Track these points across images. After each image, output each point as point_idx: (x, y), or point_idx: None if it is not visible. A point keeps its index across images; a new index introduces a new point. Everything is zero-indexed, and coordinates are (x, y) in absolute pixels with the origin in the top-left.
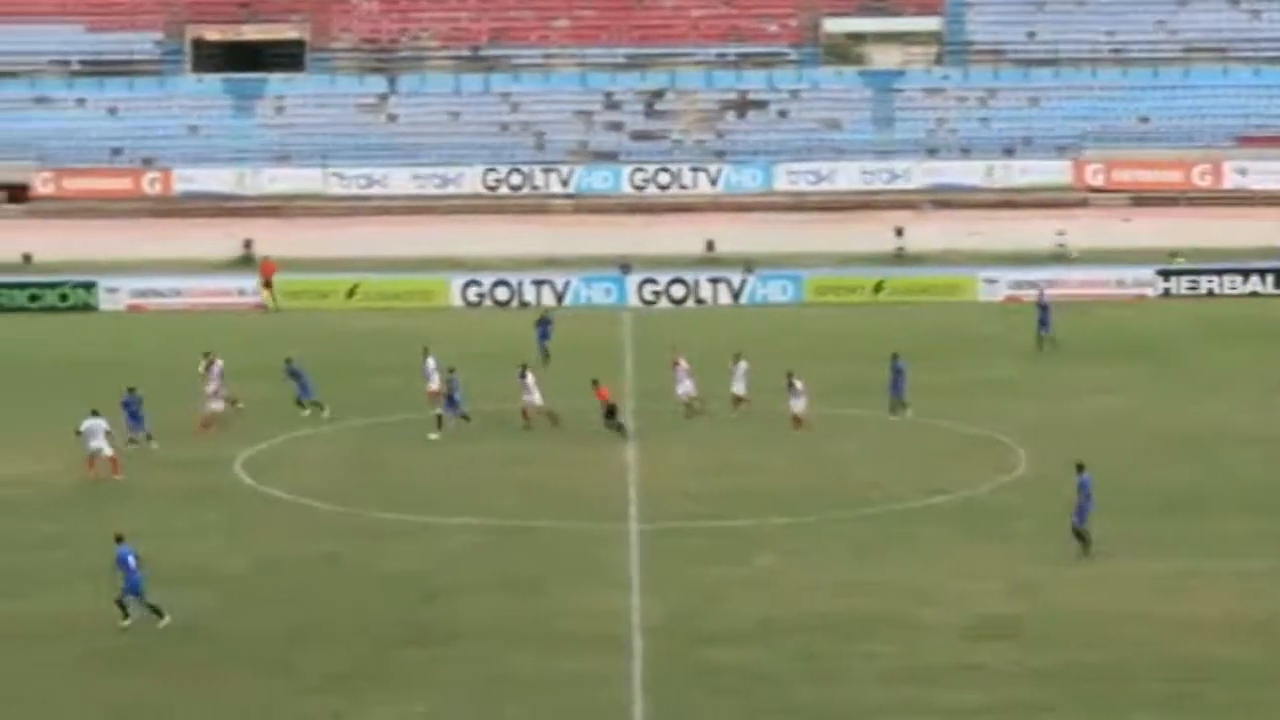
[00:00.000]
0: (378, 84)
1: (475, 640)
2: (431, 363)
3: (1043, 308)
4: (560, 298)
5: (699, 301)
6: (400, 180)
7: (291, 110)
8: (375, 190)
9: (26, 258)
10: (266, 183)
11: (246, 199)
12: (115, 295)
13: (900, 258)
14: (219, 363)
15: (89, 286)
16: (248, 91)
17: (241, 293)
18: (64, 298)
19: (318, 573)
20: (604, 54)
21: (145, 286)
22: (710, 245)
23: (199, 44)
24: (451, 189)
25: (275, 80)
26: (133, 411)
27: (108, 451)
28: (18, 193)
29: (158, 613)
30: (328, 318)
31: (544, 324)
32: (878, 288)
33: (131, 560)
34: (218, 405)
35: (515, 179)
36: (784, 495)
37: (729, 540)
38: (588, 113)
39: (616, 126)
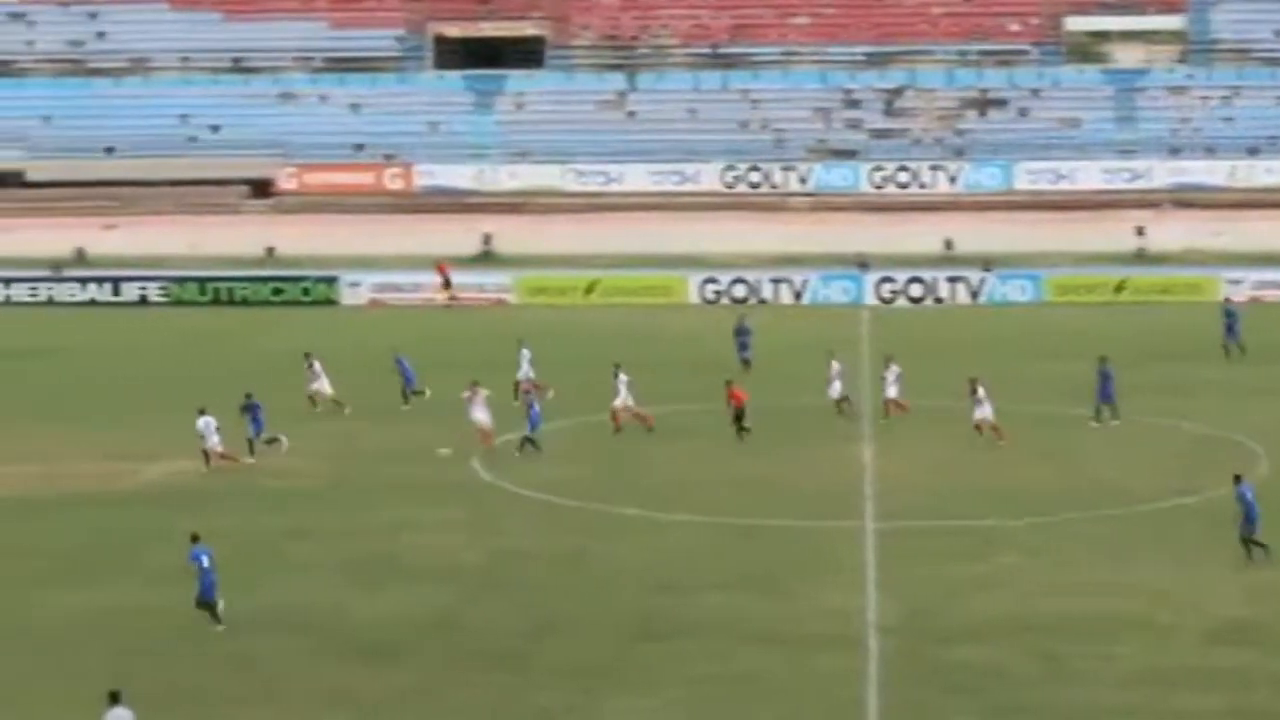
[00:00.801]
0: (617, 81)
1: (711, 637)
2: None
3: (1230, 314)
4: (798, 295)
5: (937, 300)
6: (638, 177)
7: (531, 107)
8: (613, 187)
9: (270, 252)
10: (505, 179)
11: (486, 195)
12: (356, 290)
13: (1141, 258)
14: (317, 364)
15: (331, 281)
16: (488, 88)
17: (481, 288)
18: (306, 292)
19: (556, 567)
20: (844, 51)
21: (386, 281)
22: (949, 244)
23: (440, 41)
24: (689, 186)
25: (515, 77)
26: (254, 416)
27: (218, 447)
28: (262, 188)
29: (216, 619)
30: (566, 314)
31: (742, 333)
32: (1119, 287)
33: (205, 560)
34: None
35: (754, 176)
36: (1023, 494)
37: (967, 539)
38: (827, 110)
39: (855, 124)
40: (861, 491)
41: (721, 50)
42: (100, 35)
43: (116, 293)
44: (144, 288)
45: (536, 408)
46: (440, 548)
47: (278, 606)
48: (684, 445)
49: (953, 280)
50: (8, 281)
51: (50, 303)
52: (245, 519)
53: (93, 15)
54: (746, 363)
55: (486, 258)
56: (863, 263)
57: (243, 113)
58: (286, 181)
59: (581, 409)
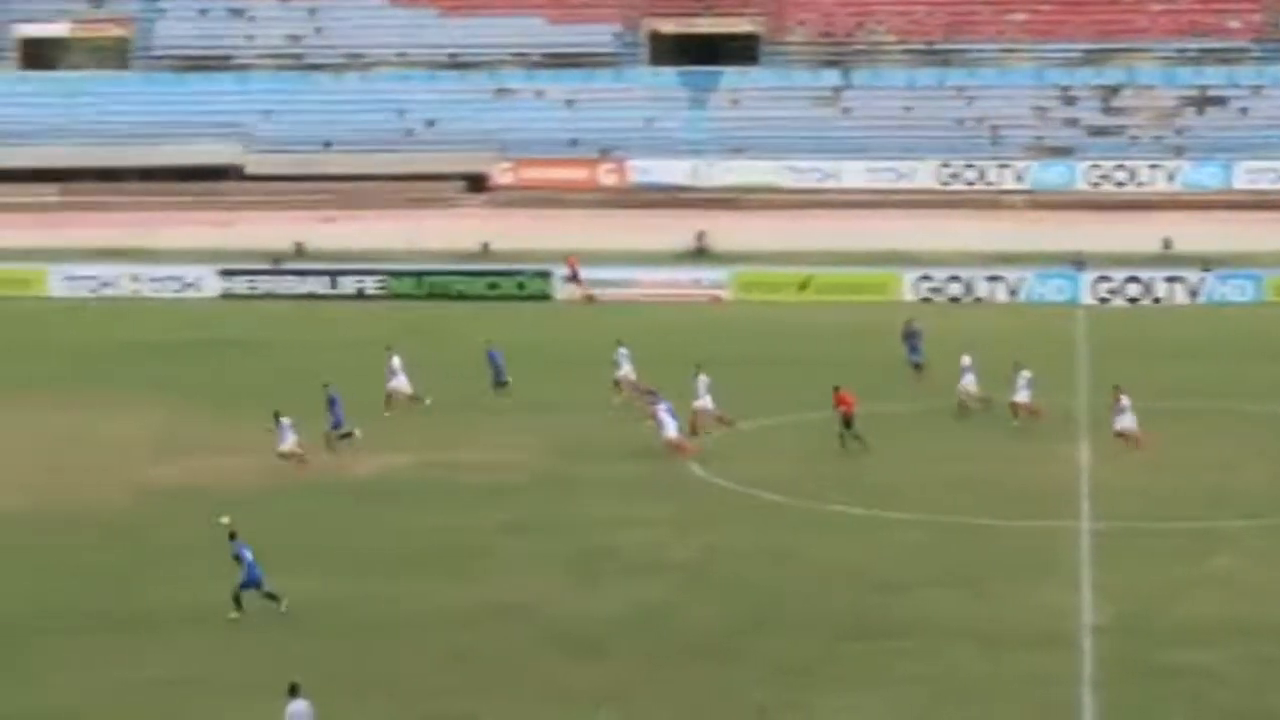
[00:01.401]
0: (832, 77)
1: (924, 635)
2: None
3: None
4: (1013, 293)
5: (1155, 300)
6: (854, 174)
7: (746, 103)
8: (829, 184)
9: (485, 246)
10: (720, 175)
11: (700, 191)
12: (571, 285)
13: None
14: (396, 358)
15: (545, 276)
16: (703, 84)
17: (696, 284)
18: (521, 286)
19: (767, 564)
20: (1061, 49)
21: (600, 277)
22: (1167, 243)
23: (655, 37)
24: (905, 183)
25: (730, 73)
26: (332, 408)
27: (296, 449)
28: (477, 182)
29: (275, 598)
30: (780, 311)
31: (911, 336)
32: None
33: (248, 554)
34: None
35: (970, 174)
36: (1242, 495)
37: (1184, 540)
38: (1043, 108)
39: (1072, 122)
40: (1077, 491)
41: (937, 47)
42: (319, 31)
43: (334, 286)
44: (361, 281)
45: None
46: (652, 543)
47: (492, 600)
48: (895, 444)
49: (1171, 280)
50: (227, 274)
51: (269, 296)
52: (457, 514)
53: (312, 11)
54: (918, 366)
55: (700, 254)
56: (1079, 261)
57: (459, 108)
58: (502, 176)
59: (795, 407)
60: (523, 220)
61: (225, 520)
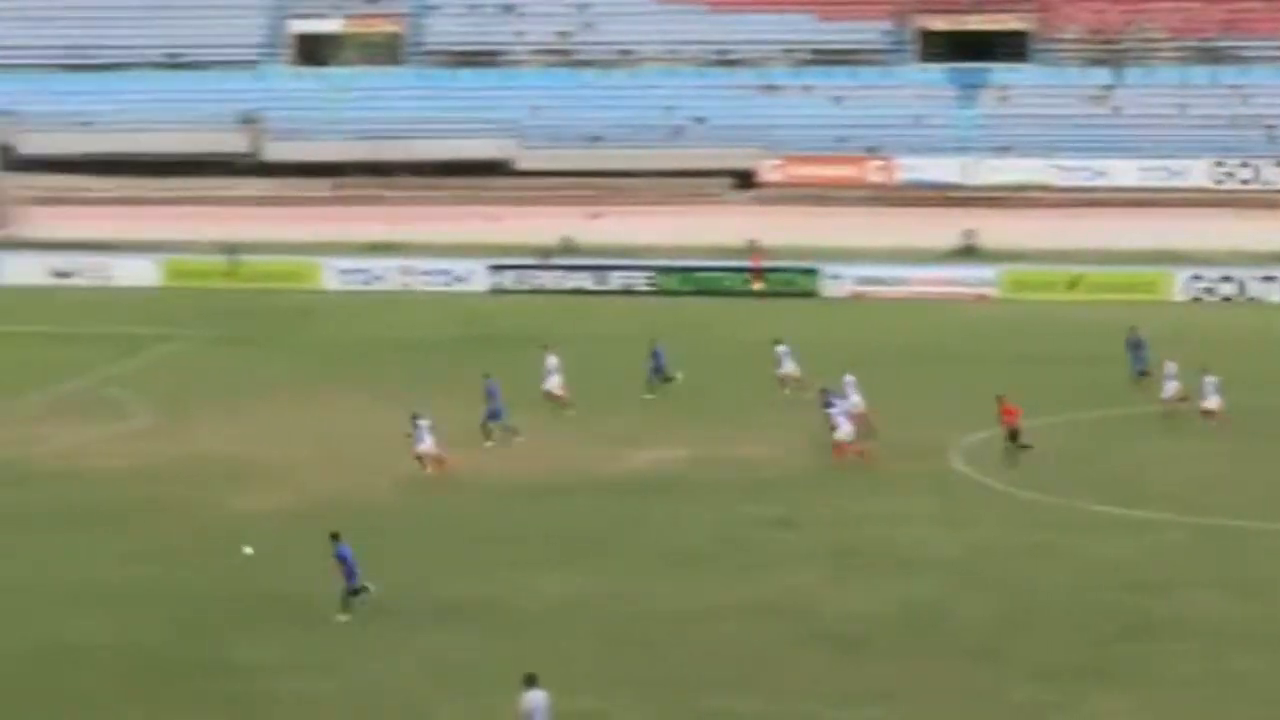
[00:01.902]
0: (1102, 75)
1: (1192, 637)
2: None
3: None
4: None
5: None
6: (1125, 173)
7: (1015, 100)
8: (1099, 182)
9: (752, 243)
10: (989, 173)
11: (968, 189)
12: (838, 282)
13: None
14: (553, 357)
15: (812, 273)
16: (971, 81)
17: (963, 282)
18: (788, 283)
19: (1030, 562)
20: None
21: (867, 274)
22: None
23: (925, 34)
24: (1177, 182)
25: (999, 70)
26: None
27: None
28: (745, 179)
29: (364, 589)
30: (1049, 309)
31: (1136, 346)
32: None
33: (349, 554)
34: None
35: (1244, 173)
36: None
37: None
38: None
39: None
40: None
41: (1211, 44)
42: (588, 27)
43: (601, 281)
44: (629, 277)
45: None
46: (916, 540)
47: (756, 595)
48: (1158, 444)
49: None
50: (496, 269)
51: (537, 290)
52: (728, 508)
53: (581, 7)
54: (1143, 374)
55: (968, 252)
56: None
57: (727, 104)
58: (770, 173)
59: (1061, 406)
60: (790, 217)
61: (249, 551)
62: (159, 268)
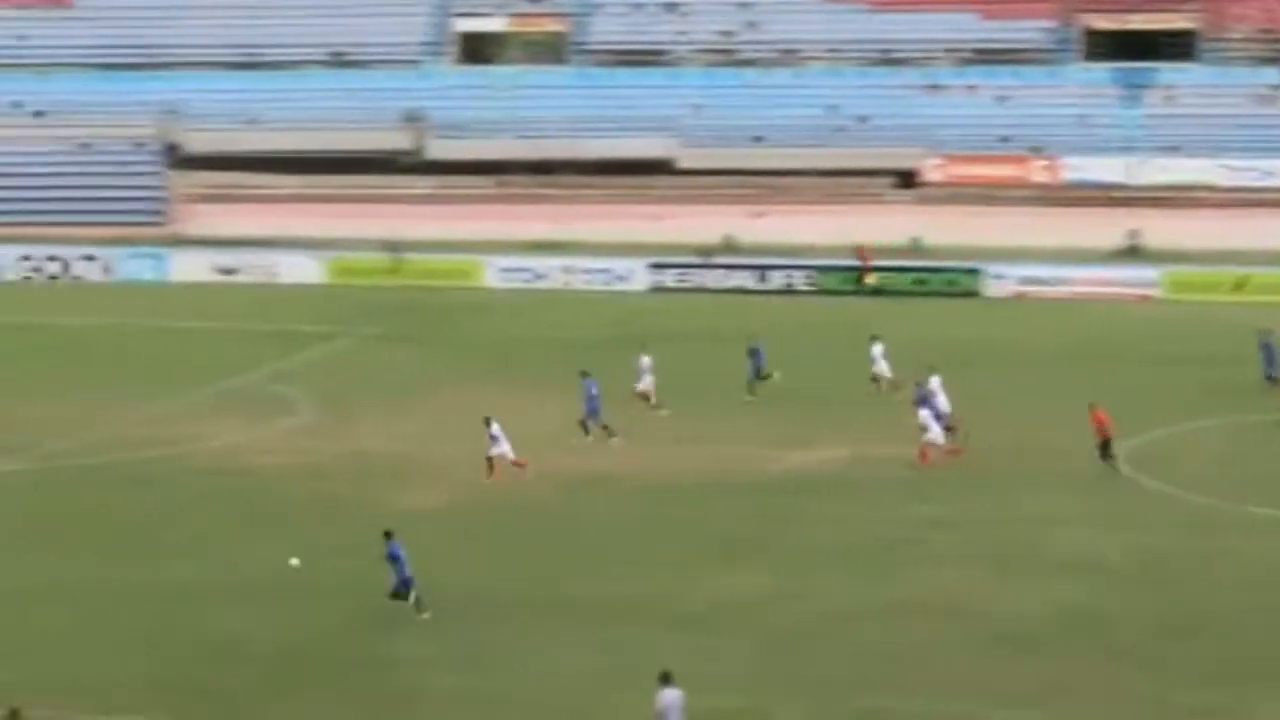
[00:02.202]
0: (1271, 75)
1: None
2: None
3: None
4: None
5: None
6: None
7: (1181, 100)
8: (1267, 182)
9: (914, 242)
10: (1154, 173)
11: (1133, 189)
12: (1000, 282)
13: None
14: (646, 358)
15: (974, 273)
16: (1136, 81)
17: (1127, 283)
18: (950, 283)
19: (1192, 565)
20: None
21: (1030, 274)
22: None
23: (1089, 33)
24: None
25: (1165, 70)
26: (589, 394)
27: (509, 455)
28: (907, 178)
29: (404, 597)
30: (1213, 310)
31: (1268, 349)
32: None
33: (402, 553)
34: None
35: None
36: None
37: None
38: None
39: None
40: None
41: None
42: (751, 25)
43: (763, 280)
44: (790, 276)
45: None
46: (1079, 541)
47: (920, 595)
48: None
49: None
50: (657, 267)
51: (699, 289)
52: (889, 507)
53: (744, 6)
54: (1273, 380)
55: (1132, 253)
56: None
57: (890, 104)
58: (932, 173)
59: (1227, 409)
60: (952, 217)
61: (295, 562)
62: (323, 265)
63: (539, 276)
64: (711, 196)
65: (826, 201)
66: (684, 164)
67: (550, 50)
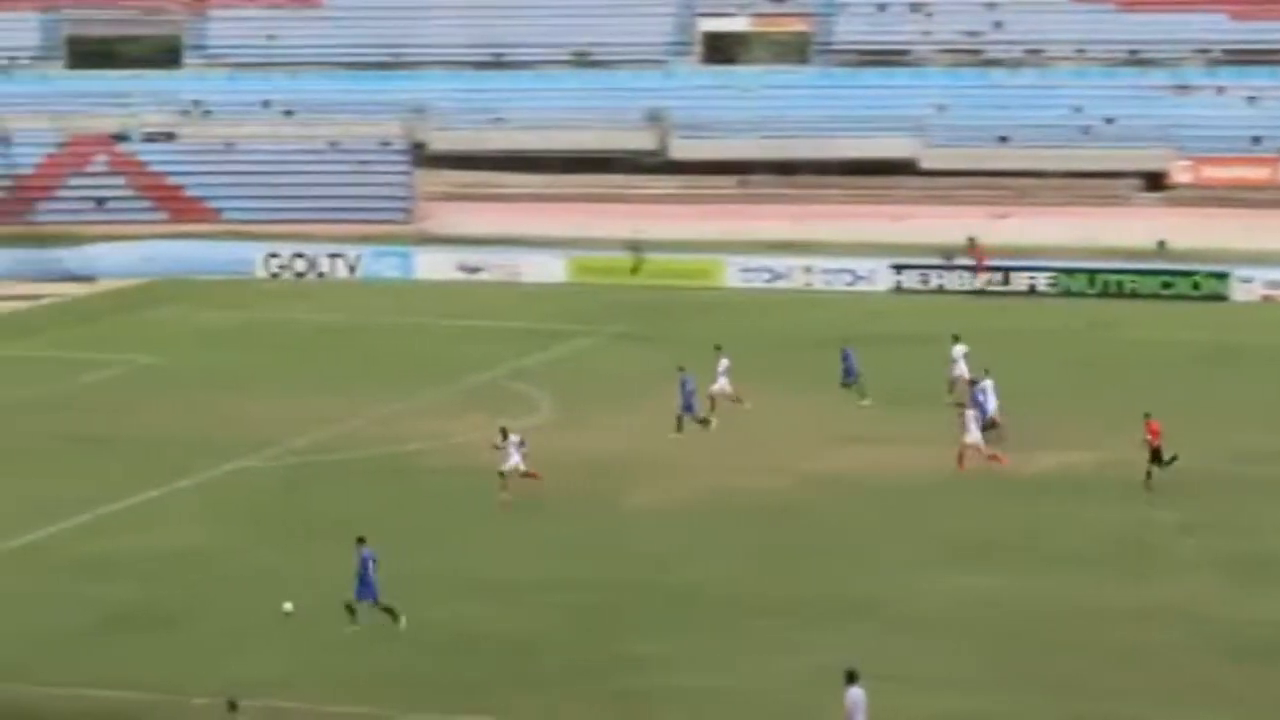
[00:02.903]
0: None
1: None
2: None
3: None
4: None
5: None
6: None
7: None
8: None
9: (1161, 245)
10: None
11: None
12: (1248, 286)
13: None
14: (725, 360)
15: (1222, 276)
16: None
17: None
18: (1196, 286)
19: None
20: None
21: (1277, 278)
22: None
23: None
24: None
25: None
26: (684, 389)
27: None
28: (1154, 180)
29: (354, 610)
30: None
31: None
32: None
33: (371, 565)
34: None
35: None
36: None
37: None
38: None
39: None
40: None
41: None
42: (997, 25)
43: (1005, 282)
44: (1033, 278)
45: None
46: None
47: (1156, 598)
48: None
49: None
50: (899, 268)
51: (940, 290)
52: (1128, 511)
53: (990, 6)
54: None
55: None
56: None
57: (1137, 104)
58: (1180, 174)
59: None
60: (1200, 219)
61: (289, 608)
62: (565, 264)
63: (779, 276)
64: (954, 197)
65: (1070, 203)
66: (927, 164)
67: (794, 50)
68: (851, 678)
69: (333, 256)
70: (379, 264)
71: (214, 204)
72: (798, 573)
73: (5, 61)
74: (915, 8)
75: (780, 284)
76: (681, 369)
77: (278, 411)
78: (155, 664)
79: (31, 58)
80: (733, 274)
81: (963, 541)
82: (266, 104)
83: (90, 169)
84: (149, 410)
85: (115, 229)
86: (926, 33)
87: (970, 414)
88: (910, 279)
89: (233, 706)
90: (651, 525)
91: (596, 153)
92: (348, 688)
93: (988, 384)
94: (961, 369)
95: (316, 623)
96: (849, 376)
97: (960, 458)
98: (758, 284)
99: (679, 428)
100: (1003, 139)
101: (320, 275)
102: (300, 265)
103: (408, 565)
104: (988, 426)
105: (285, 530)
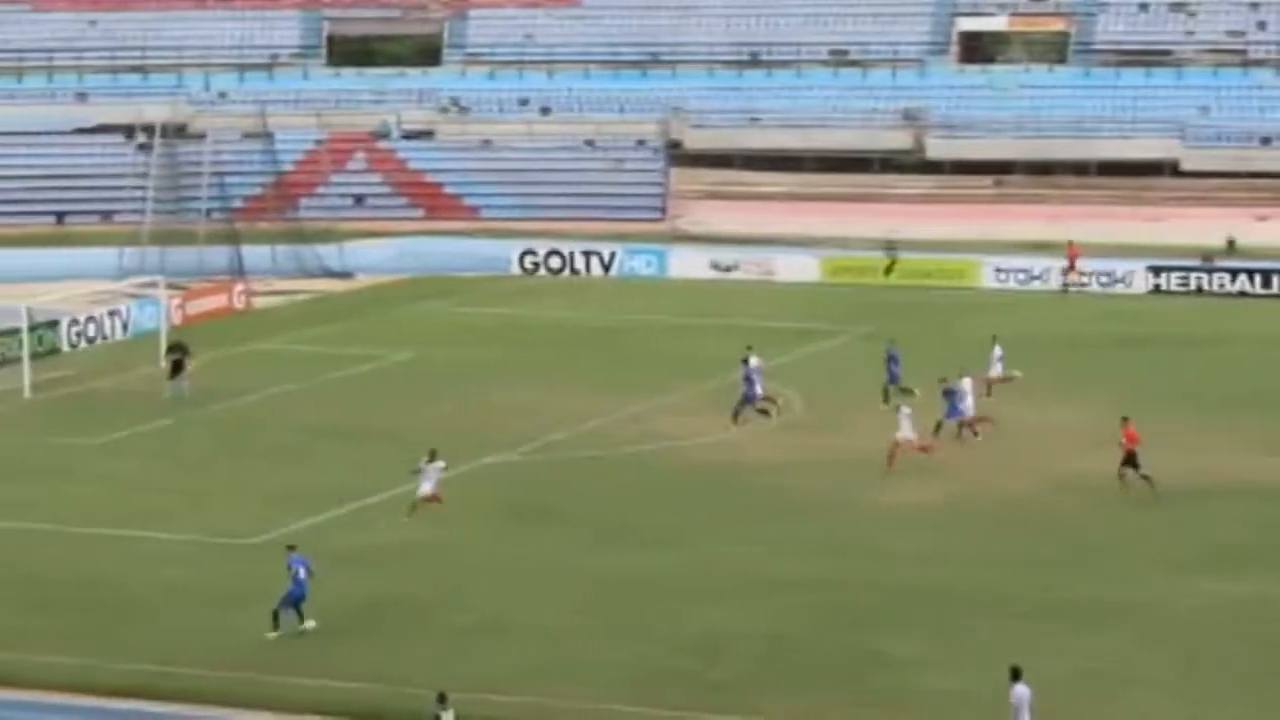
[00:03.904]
0: None
1: None
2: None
3: None
4: None
5: None
6: None
7: None
8: None
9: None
10: None
11: None
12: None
13: None
14: (754, 360)
15: None
16: None
17: None
18: None
19: None
20: None
21: None
22: None
23: None
24: None
25: None
26: (750, 382)
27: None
28: None
29: (278, 615)
30: None
31: None
32: None
33: (302, 572)
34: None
35: None
36: None
37: None
38: None
39: None
40: None
41: None
42: (1261, 26)
43: (1266, 285)
44: None
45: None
46: None
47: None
48: None
49: None
50: (1157, 270)
51: (1199, 292)
52: None
53: (1254, 6)
54: None
55: None
56: None
57: None
58: None
59: None
60: None
61: (311, 625)
62: (819, 264)
63: (1034, 277)
64: (1215, 199)
65: None
66: (1187, 165)
67: (1053, 49)
68: (1016, 674)
69: (587, 254)
70: (633, 262)
71: (471, 201)
72: (1051, 575)
73: (267, 60)
74: (1177, 7)
75: (1036, 285)
76: (746, 358)
77: (532, 407)
78: (406, 657)
79: (292, 56)
80: (988, 274)
81: (1219, 546)
82: (524, 102)
83: (349, 166)
84: (404, 405)
85: (373, 226)
86: (1189, 33)
87: (905, 412)
88: (1169, 281)
89: (442, 699)
90: (903, 525)
91: (852, 152)
92: (597, 684)
93: (966, 382)
94: (997, 370)
95: (569, 619)
96: (893, 381)
97: (890, 457)
98: (1012, 285)
99: (734, 419)
100: (1265, 140)
101: (574, 273)
102: (555, 263)
103: (659, 563)
104: (963, 425)
105: (539, 525)
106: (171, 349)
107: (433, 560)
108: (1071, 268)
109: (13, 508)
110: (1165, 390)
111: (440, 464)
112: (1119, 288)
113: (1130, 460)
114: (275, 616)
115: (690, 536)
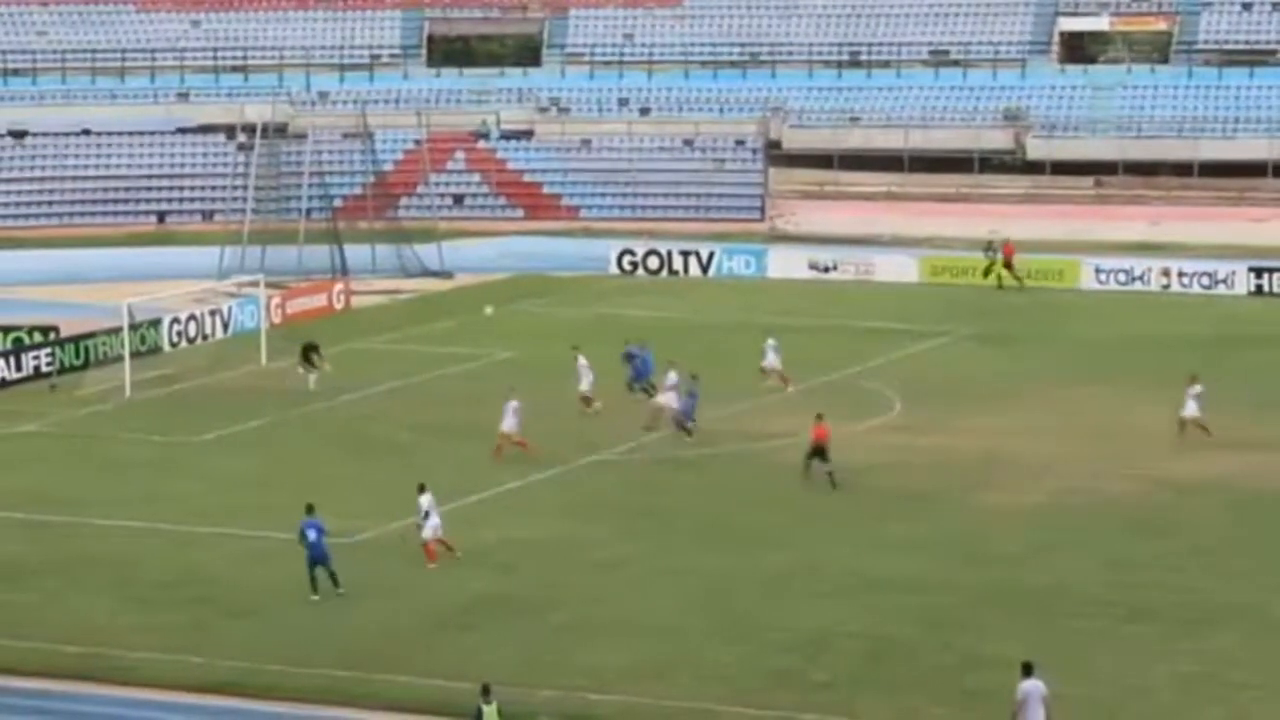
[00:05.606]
0: None
1: None
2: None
3: None
4: None
5: None
6: None
7: None
8: None
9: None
10: None
11: None
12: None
13: None
14: (582, 359)
15: None
16: None
17: None
18: None
19: None
20: None
21: None
22: None
23: None
24: None
25: None
26: (690, 395)
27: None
28: None
29: (334, 581)
30: None
31: None
32: None
33: (312, 534)
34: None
35: None
36: None
37: None
38: None
39: None
40: None
41: None
42: None
43: None
44: None
45: None
46: None
47: None
48: None
49: None
50: (1258, 271)
51: None
52: None
53: None
54: None
55: None
56: None
57: None
58: None
59: None
60: None
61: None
62: (918, 264)
63: (1135, 278)
64: None
65: None
66: None
67: (1155, 49)
68: (1028, 670)
69: (685, 254)
70: (732, 261)
71: (570, 201)
72: (1155, 578)
73: (367, 59)
74: None
75: (1136, 286)
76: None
77: (631, 405)
78: (510, 655)
79: (393, 56)
80: (1088, 275)
81: None
82: (623, 102)
83: (449, 166)
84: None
85: (473, 225)
86: None
87: (511, 405)
88: (1270, 282)
89: (486, 691)
90: (1006, 526)
91: (952, 152)
92: (698, 682)
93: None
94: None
95: (671, 618)
96: (638, 378)
97: (498, 449)
98: (1113, 286)
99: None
100: None
101: (673, 273)
102: (653, 262)
103: (762, 563)
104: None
105: (640, 524)
106: (307, 349)
107: (534, 558)
108: (1008, 266)
109: (113, 505)
110: (1266, 392)
111: (428, 498)
112: (1220, 289)
113: (818, 452)
114: (312, 580)
115: (792, 536)
